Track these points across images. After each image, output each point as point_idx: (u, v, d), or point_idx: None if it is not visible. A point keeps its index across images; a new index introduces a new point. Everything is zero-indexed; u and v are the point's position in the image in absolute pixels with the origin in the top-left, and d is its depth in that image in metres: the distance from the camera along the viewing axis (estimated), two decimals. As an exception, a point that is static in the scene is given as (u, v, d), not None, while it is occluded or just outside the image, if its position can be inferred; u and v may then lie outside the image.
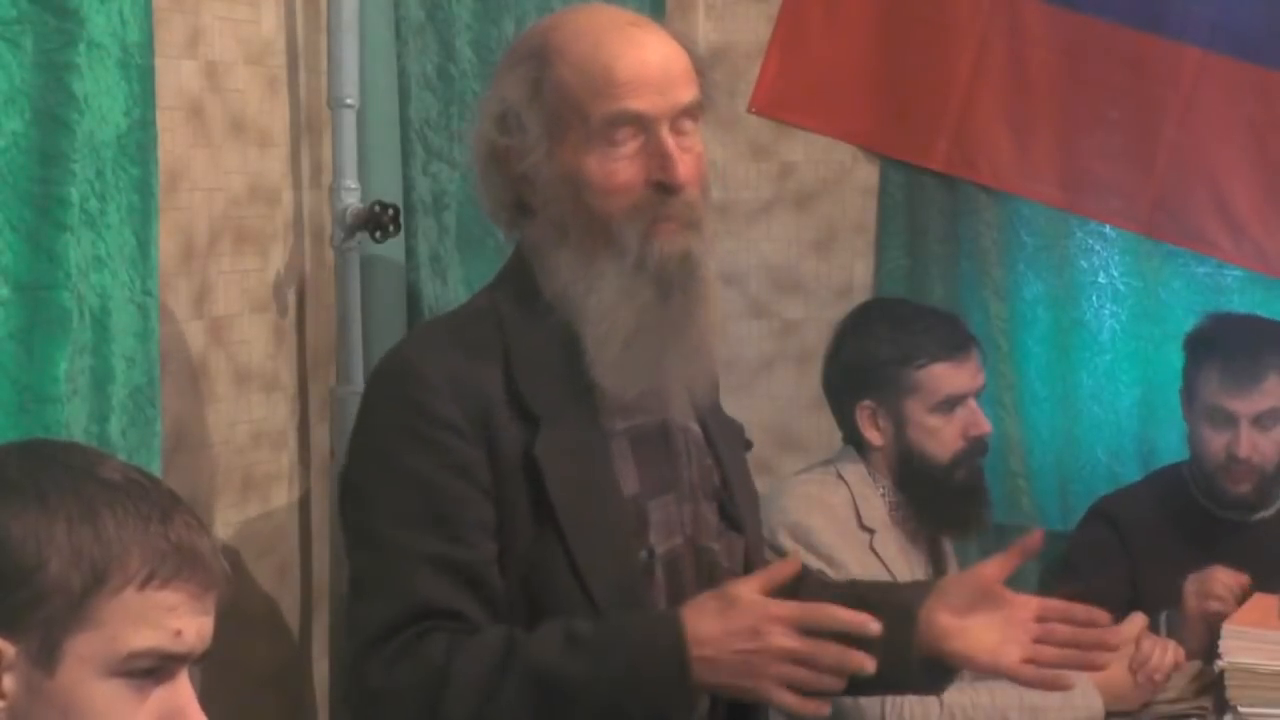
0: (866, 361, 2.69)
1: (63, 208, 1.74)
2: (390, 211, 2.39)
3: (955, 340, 2.71)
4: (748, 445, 2.26)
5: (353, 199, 2.41)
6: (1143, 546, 2.99)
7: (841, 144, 3.49)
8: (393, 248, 2.48)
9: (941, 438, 2.67)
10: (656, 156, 1.91)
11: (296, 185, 2.43)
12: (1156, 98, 3.26)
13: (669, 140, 1.91)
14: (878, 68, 3.44)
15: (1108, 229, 3.37)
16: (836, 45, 3.45)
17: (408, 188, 2.53)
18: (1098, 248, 3.37)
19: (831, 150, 3.48)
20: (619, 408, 1.97)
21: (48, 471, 1.35)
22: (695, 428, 2.07)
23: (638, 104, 1.90)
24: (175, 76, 2.15)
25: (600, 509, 1.94)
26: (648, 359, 1.93)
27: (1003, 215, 3.41)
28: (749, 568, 2.08)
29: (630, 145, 1.91)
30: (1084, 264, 3.38)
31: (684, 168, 1.91)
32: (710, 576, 2.02)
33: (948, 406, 2.68)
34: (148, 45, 1.90)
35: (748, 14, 3.47)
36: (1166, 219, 3.29)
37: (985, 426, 2.71)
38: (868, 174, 3.51)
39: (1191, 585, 2.80)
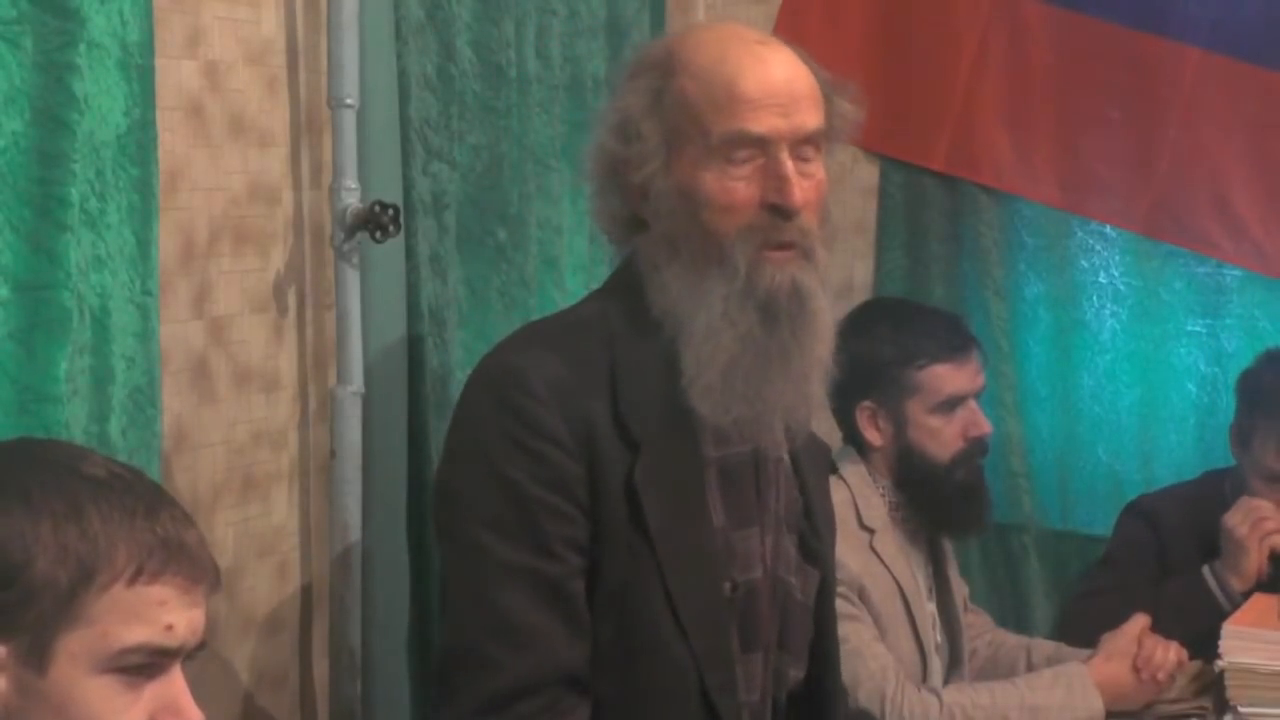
0: (867, 362, 2.69)
1: (63, 208, 1.75)
2: (390, 211, 2.39)
3: (956, 341, 2.71)
4: (831, 468, 2.25)
5: (353, 199, 2.40)
6: (1174, 547, 2.98)
7: (841, 144, 3.48)
8: (393, 248, 2.48)
9: (942, 438, 2.67)
10: (774, 178, 1.88)
11: (296, 185, 2.43)
12: (1157, 98, 3.26)
13: (788, 163, 1.89)
14: (878, 68, 3.44)
15: (1108, 229, 3.36)
16: (836, 45, 3.44)
17: (408, 188, 2.53)
18: (1098, 248, 3.37)
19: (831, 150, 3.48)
20: (713, 436, 1.95)
21: (31, 470, 1.35)
22: (786, 458, 2.05)
23: (758, 127, 1.88)
24: (175, 76, 2.15)
25: (694, 539, 1.93)
26: (746, 387, 1.91)
27: (1003, 215, 3.41)
28: (821, 600, 2.08)
29: (749, 165, 1.89)
30: (1084, 264, 3.38)
31: (800, 192, 1.89)
32: (784, 609, 2.03)
33: (948, 407, 2.68)
34: (148, 45, 1.90)
35: (748, 14, 3.46)
36: (1166, 219, 3.28)
37: (986, 427, 2.71)
38: (868, 174, 3.51)
39: (1235, 518, 2.81)
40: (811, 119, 1.92)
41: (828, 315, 1.95)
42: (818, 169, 1.94)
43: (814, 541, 2.07)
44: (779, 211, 1.89)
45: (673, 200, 1.91)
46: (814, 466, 2.13)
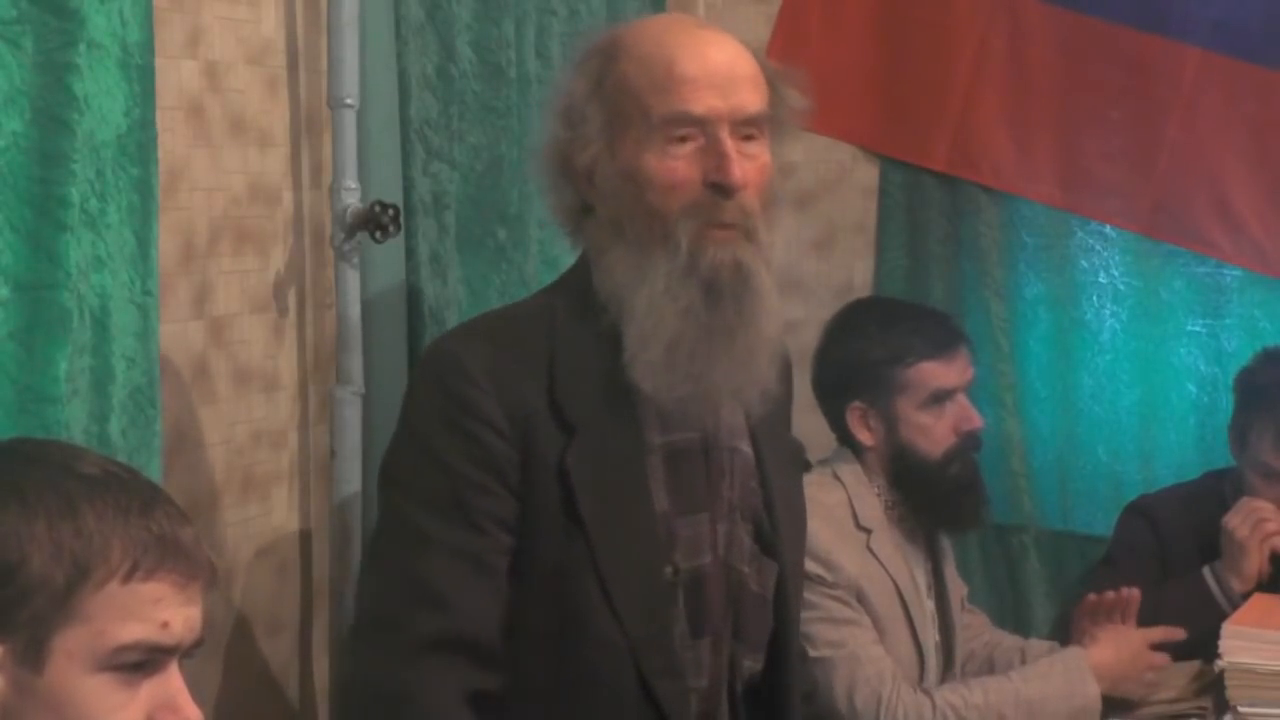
0: (855, 362, 2.69)
1: (63, 208, 1.74)
2: (390, 211, 2.39)
3: (943, 337, 2.71)
4: (806, 466, 2.25)
5: (353, 199, 2.41)
6: (1174, 548, 2.98)
7: (841, 144, 3.49)
8: (393, 248, 2.48)
9: (933, 434, 2.67)
10: (713, 157, 1.91)
11: (296, 185, 2.43)
12: (1157, 98, 3.26)
13: (727, 141, 1.91)
14: (878, 68, 3.44)
15: (1108, 229, 3.37)
16: (836, 46, 3.45)
17: (408, 188, 2.53)
18: (1098, 248, 3.37)
19: (831, 150, 3.48)
20: (658, 421, 1.96)
21: (25, 469, 1.35)
22: (746, 448, 2.06)
23: (697, 107, 1.90)
24: (175, 76, 2.15)
25: (629, 523, 1.95)
26: (690, 365, 1.93)
27: (1003, 215, 3.41)
28: (781, 594, 2.08)
29: (689, 145, 1.91)
30: (1084, 264, 3.38)
31: (740, 171, 1.90)
32: (737, 599, 2.03)
33: (937, 402, 2.67)
34: (148, 45, 1.89)
35: (748, 14, 3.47)
36: (1166, 219, 3.29)
37: (977, 421, 2.71)
38: (868, 174, 3.51)
39: (1236, 519, 2.81)
40: (752, 101, 1.94)
41: (773, 295, 1.96)
42: (761, 151, 1.95)
43: (771, 534, 2.08)
44: (719, 190, 1.90)
45: (617, 182, 1.94)
46: (780, 461, 2.13)
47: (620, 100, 1.93)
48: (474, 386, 1.92)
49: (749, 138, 1.93)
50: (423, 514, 1.92)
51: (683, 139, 1.91)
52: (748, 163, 1.92)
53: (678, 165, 1.91)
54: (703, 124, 1.91)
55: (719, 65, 1.93)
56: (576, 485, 1.92)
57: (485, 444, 1.91)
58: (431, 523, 1.91)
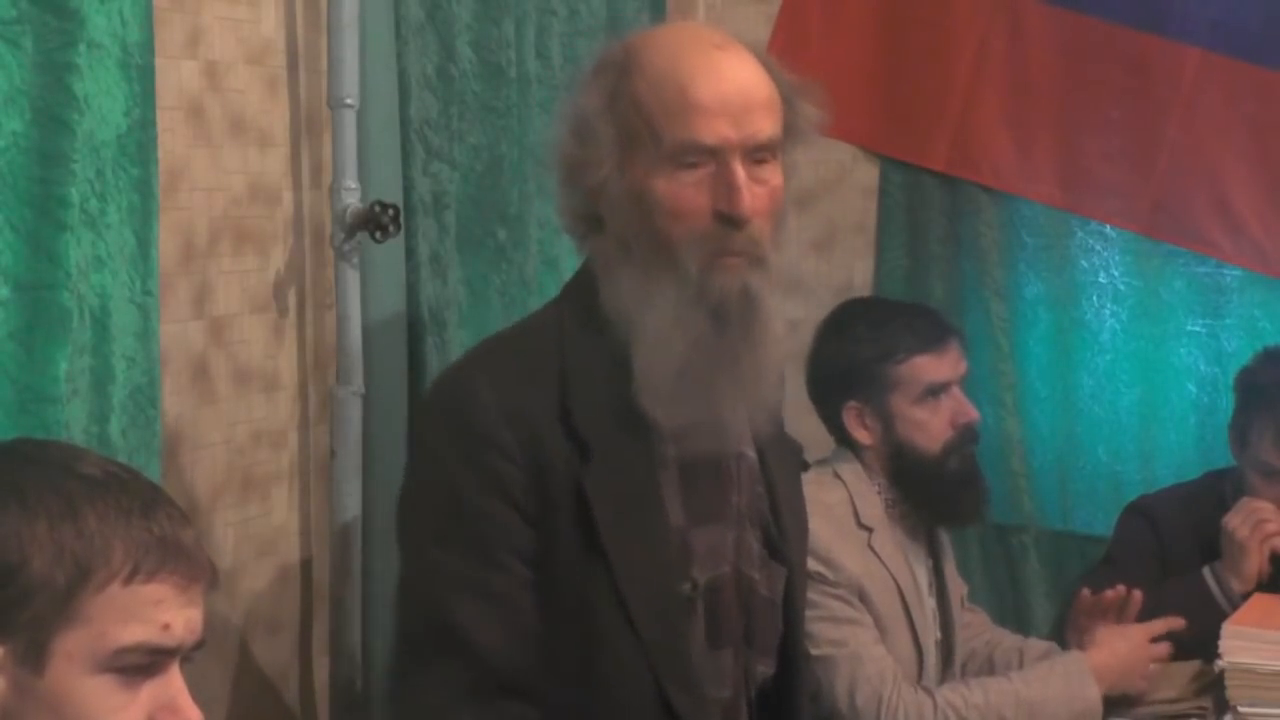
0: (847, 362, 2.69)
1: (63, 208, 1.75)
2: (390, 211, 2.39)
3: (932, 332, 2.71)
4: (804, 466, 2.24)
5: (353, 199, 2.41)
6: (1174, 548, 2.98)
7: (841, 144, 3.49)
8: (393, 248, 2.48)
9: (929, 429, 2.67)
10: (724, 186, 1.87)
11: (296, 185, 2.43)
12: (1157, 98, 3.26)
13: (739, 172, 1.88)
14: (878, 68, 3.44)
15: (1108, 229, 3.37)
16: (836, 46, 3.45)
17: (408, 188, 2.53)
18: (1098, 248, 3.37)
19: (831, 150, 3.48)
20: (670, 434, 1.95)
21: (26, 470, 1.35)
22: (751, 453, 2.05)
23: (709, 138, 1.87)
24: (175, 76, 2.15)
25: (647, 541, 1.93)
26: (697, 391, 1.91)
27: (1003, 215, 3.41)
28: (790, 598, 2.08)
29: (700, 172, 1.88)
30: (1084, 264, 3.38)
31: (750, 201, 1.87)
32: (748, 605, 2.03)
33: (932, 396, 2.67)
34: (148, 45, 1.90)
35: (748, 14, 3.47)
36: (1166, 219, 3.29)
37: (973, 413, 2.70)
38: (868, 174, 3.51)
39: (1236, 520, 2.82)
40: (765, 127, 1.91)
41: (779, 320, 1.95)
42: (773, 174, 1.93)
43: (778, 538, 2.07)
44: (729, 220, 1.88)
45: (625, 201, 1.91)
46: (783, 464, 2.13)
47: (632, 120, 1.90)
48: (482, 411, 1.90)
49: (761, 161, 1.91)
50: (443, 553, 1.90)
51: (693, 165, 1.88)
52: (759, 188, 1.90)
53: (687, 192, 1.88)
54: (714, 153, 1.88)
55: (733, 91, 1.89)
56: (594, 506, 1.90)
57: (499, 473, 1.89)
58: (452, 562, 1.89)
